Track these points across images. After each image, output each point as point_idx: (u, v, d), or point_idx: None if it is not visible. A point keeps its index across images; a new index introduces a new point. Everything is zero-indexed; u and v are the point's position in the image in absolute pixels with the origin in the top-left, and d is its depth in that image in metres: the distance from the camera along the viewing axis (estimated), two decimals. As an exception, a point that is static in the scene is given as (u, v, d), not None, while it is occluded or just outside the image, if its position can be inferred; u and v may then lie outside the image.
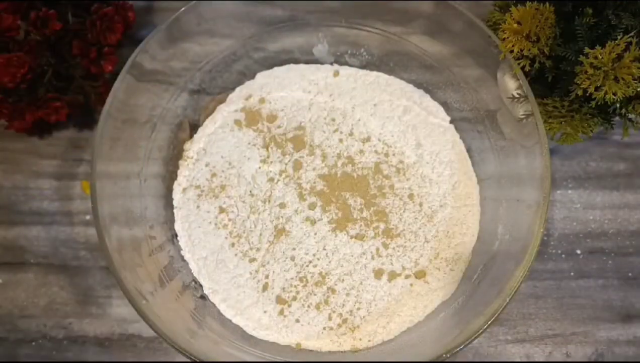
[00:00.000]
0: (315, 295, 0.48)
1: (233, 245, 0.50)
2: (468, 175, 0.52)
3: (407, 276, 0.48)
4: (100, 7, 0.53)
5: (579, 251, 0.53)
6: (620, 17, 0.43)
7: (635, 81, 0.41)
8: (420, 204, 0.51)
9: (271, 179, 0.52)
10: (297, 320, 0.47)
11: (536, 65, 0.45)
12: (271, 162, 0.53)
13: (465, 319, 0.42)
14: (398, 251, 0.49)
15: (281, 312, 0.47)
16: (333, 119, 0.54)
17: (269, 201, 0.51)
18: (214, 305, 0.48)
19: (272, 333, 0.47)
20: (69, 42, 0.53)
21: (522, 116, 0.46)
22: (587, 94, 0.43)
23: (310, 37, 0.57)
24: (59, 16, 0.51)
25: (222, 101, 0.56)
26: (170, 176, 0.53)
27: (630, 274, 0.52)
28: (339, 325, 0.47)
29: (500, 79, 0.48)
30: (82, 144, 0.57)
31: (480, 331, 0.39)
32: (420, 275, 0.48)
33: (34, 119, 0.52)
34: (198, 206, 0.51)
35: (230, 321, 0.47)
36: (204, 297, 0.48)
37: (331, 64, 0.57)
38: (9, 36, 0.50)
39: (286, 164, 0.52)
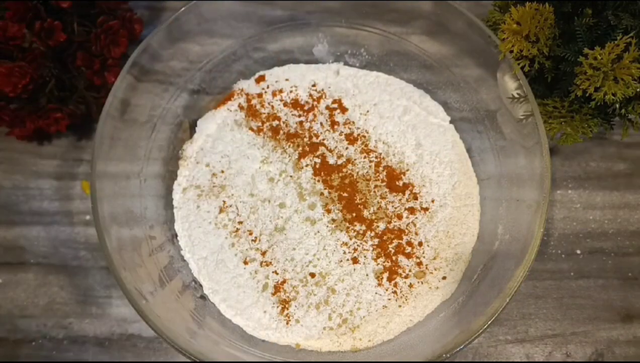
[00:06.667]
0: (315, 295, 0.48)
1: (233, 245, 0.50)
2: (468, 175, 0.52)
3: (407, 276, 0.48)
4: (106, 19, 0.53)
5: (579, 251, 0.53)
6: (619, 18, 0.43)
7: (635, 82, 0.41)
8: (421, 205, 0.51)
9: (271, 179, 0.52)
10: (297, 320, 0.47)
11: (536, 65, 0.45)
12: (271, 162, 0.53)
13: (465, 319, 0.42)
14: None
15: (281, 312, 0.47)
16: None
17: (269, 201, 0.51)
18: (214, 305, 0.48)
19: (272, 333, 0.47)
20: (73, 52, 0.52)
21: (522, 117, 0.46)
22: (587, 95, 0.43)
23: (310, 37, 0.57)
24: (64, 26, 0.51)
25: (222, 101, 0.56)
26: (170, 176, 0.53)
27: (630, 274, 0.52)
28: (339, 325, 0.47)
29: (500, 80, 0.48)
30: (82, 144, 0.57)
31: (480, 331, 0.39)
32: (420, 275, 0.48)
33: (35, 127, 0.52)
34: (198, 206, 0.51)
35: (230, 321, 0.47)
36: (204, 297, 0.48)
37: (331, 63, 0.58)
38: (14, 44, 0.50)
39: (286, 164, 0.52)
